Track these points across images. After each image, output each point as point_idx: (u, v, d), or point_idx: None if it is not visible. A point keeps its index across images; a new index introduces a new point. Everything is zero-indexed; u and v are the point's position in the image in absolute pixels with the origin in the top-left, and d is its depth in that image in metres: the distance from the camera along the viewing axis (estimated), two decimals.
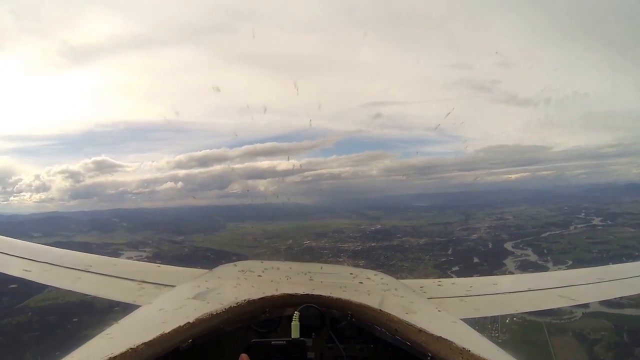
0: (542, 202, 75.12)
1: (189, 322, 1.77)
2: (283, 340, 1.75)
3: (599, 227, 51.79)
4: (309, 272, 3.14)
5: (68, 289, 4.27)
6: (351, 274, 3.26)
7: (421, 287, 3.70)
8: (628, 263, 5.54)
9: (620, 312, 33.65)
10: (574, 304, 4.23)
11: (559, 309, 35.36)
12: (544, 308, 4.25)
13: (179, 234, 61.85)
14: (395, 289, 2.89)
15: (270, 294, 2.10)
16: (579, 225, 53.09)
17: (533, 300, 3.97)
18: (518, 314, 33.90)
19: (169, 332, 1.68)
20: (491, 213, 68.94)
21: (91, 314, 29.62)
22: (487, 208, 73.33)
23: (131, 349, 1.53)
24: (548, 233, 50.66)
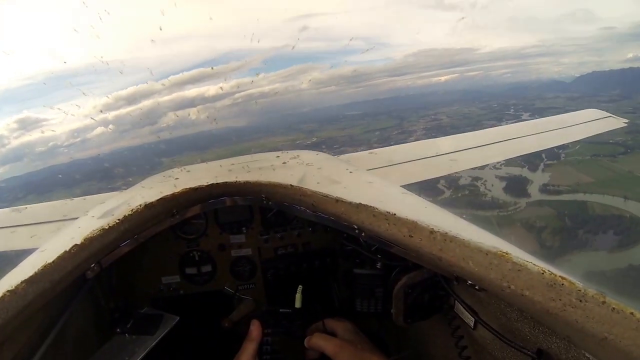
0: (472, 101, 78.51)
1: (75, 244, 1.45)
2: (289, 310, 1.77)
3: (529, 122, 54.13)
4: (234, 164, 2.66)
5: None
6: (278, 156, 2.84)
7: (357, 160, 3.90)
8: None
9: (559, 199, 36.34)
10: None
11: (503, 201, 38.29)
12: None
13: (117, 179, 57.70)
14: (324, 164, 2.62)
15: (170, 193, 1.78)
16: (510, 121, 54.63)
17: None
18: (467, 212, 36.24)
19: (53, 261, 1.34)
20: (425, 115, 70.50)
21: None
22: (420, 110, 74.79)
23: (8, 291, 1.19)
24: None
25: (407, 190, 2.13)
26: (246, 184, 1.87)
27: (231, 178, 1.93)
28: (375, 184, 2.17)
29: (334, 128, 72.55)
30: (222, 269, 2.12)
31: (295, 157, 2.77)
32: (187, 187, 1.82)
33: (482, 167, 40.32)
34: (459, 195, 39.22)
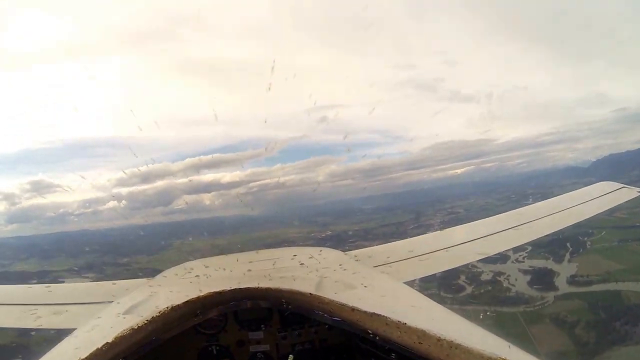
0: (488, 193, 77.71)
1: (107, 343, 1.64)
2: None
3: None
4: (251, 262, 2.97)
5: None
6: (295, 255, 3.13)
7: (369, 256, 3.92)
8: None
9: (590, 290, 33.34)
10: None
11: (529, 296, 35.11)
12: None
13: (123, 256, 57.69)
14: (339, 265, 2.81)
15: (195, 296, 1.97)
16: None
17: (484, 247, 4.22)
18: (491, 309, 33.30)
19: (86, 357, 1.55)
20: (441, 208, 69.57)
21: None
22: (436, 204, 73.99)
23: None
24: None
25: (423, 284, 1.97)
26: (268, 290, 2.00)
27: (252, 283, 2.06)
28: (388, 288, 2.30)
29: (349, 221, 72.00)
30: None
31: (311, 257, 2.97)
32: (212, 291, 1.98)
33: (504, 261, 38.08)
34: (482, 291, 36.45)
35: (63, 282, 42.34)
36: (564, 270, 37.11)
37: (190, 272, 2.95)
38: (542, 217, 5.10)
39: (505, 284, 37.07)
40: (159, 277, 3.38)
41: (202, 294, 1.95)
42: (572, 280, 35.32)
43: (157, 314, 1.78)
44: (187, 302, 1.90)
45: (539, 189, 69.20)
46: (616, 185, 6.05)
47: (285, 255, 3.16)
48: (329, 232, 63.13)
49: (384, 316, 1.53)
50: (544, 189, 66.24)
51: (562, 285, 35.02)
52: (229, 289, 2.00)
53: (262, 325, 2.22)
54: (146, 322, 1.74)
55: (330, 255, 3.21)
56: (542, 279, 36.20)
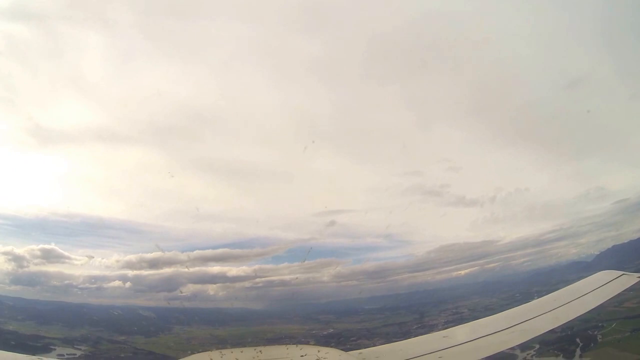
0: (492, 292, 75.72)
1: None
2: None
3: None
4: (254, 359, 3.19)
5: None
6: (303, 356, 3.50)
7: (377, 357, 3.63)
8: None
9: None
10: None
11: None
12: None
13: (121, 334, 58.13)
14: None
15: None
16: None
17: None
18: None
19: None
20: (445, 309, 67.87)
21: None
22: (440, 305, 72.13)
23: None
24: None
25: None
26: None
27: None
28: None
29: (352, 320, 71.07)
30: None
31: (320, 358, 3.10)
32: None
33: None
34: None
35: (54, 349, 45.16)
36: None
37: None
38: (544, 312, 4.77)
39: None
40: None
41: None
42: None
43: None
44: None
45: (544, 286, 67.67)
46: (616, 273, 5.49)
47: (293, 354, 3.30)
48: (330, 330, 62.84)
49: None
50: (549, 286, 64.80)
51: None
52: None
53: None
54: None
55: (330, 354, 3.28)
56: None
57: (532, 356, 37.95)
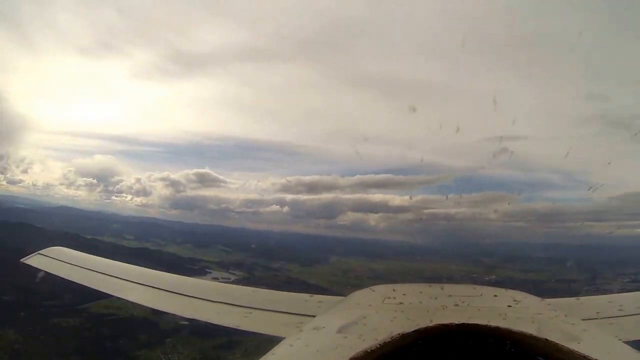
0: None
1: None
2: None
3: None
4: (451, 296, 3.03)
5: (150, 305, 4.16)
6: (495, 295, 3.13)
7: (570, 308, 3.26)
8: None
9: None
10: None
11: None
12: None
13: (276, 261, 59.33)
14: (549, 313, 2.81)
15: (424, 326, 2.02)
16: None
17: None
18: None
19: None
20: (623, 273, 62.36)
21: (150, 333, 29.60)
22: (617, 267, 66.05)
23: None
24: None
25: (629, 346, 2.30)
26: (496, 329, 1.98)
27: (481, 319, 2.16)
28: (608, 342, 2.34)
29: (516, 269, 68.58)
30: None
31: (515, 301, 2.93)
32: (440, 323, 2.05)
33: None
34: None
35: (209, 273, 47.06)
36: None
37: (390, 298, 2.88)
38: None
39: None
40: (352, 297, 3.31)
41: (431, 325, 1.93)
42: None
43: (389, 339, 1.76)
44: (417, 330, 1.86)
45: None
46: None
47: (485, 294, 3.06)
48: (493, 276, 59.79)
49: None
50: None
51: None
52: (457, 322, 1.94)
53: None
54: (379, 346, 1.70)
55: (531, 301, 3.01)
56: None
57: None
